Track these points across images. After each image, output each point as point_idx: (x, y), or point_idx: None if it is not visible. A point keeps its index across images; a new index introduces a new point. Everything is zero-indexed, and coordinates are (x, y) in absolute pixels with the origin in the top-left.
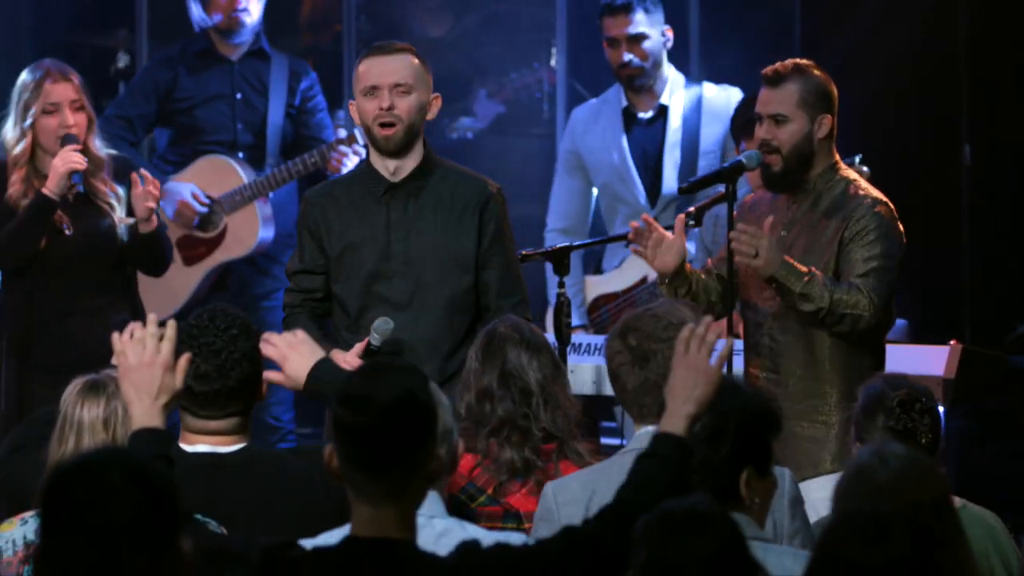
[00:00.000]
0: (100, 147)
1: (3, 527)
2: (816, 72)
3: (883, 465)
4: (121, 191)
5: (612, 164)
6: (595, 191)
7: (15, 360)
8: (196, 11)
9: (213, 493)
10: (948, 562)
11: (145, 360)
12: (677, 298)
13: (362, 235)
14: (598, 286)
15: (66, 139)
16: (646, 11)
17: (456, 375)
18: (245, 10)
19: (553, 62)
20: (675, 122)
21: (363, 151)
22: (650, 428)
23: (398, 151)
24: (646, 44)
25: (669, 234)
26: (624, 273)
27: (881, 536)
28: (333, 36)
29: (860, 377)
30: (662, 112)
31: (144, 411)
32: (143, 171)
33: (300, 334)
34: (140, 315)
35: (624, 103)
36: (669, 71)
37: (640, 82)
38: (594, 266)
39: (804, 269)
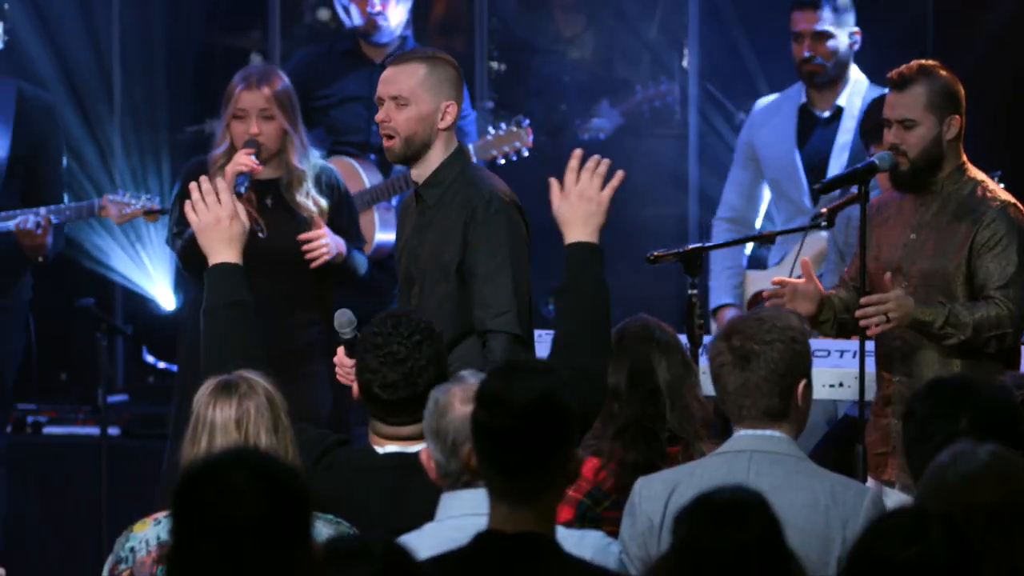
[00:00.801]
0: (300, 159)
1: (137, 527)
2: (942, 72)
3: (953, 466)
4: (325, 204)
5: (781, 160)
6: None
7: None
8: (341, 11)
9: (401, 491)
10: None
11: (212, 218)
12: (829, 333)
13: (402, 237)
14: (758, 281)
15: (246, 144)
16: (834, 10)
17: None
18: (381, 14)
19: (685, 63)
20: (848, 124)
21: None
22: (747, 431)
23: (401, 161)
24: (830, 43)
25: (800, 281)
26: (783, 269)
27: (916, 536)
28: (465, 39)
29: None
30: (839, 113)
31: (222, 255)
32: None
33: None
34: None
35: (803, 100)
36: (854, 73)
37: (820, 80)
38: (758, 261)
39: (937, 308)
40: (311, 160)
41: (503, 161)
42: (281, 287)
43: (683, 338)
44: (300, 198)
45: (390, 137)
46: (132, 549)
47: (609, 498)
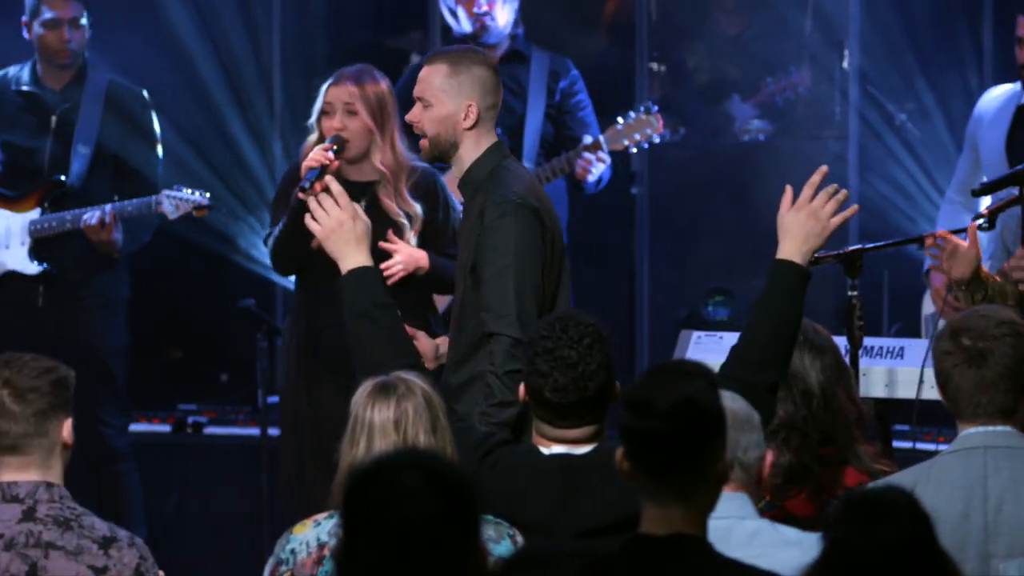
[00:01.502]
0: (385, 161)
1: (297, 529)
2: None
3: None
4: (419, 209)
5: (992, 156)
6: None
7: (304, 357)
8: (449, 17)
9: (569, 493)
10: None
11: (334, 223)
12: (973, 303)
13: None
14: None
15: (329, 140)
16: None
17: (468, 385)
18: (488, 14)
19: (845, 64)
20: None
21: (607, 158)
22: (978, 429)
23: (433, 160)
24: None
25: (963, 242)
26: None
27: (881, 517)
28: (627, 39)
29: None
30: None
31: (355, 259)
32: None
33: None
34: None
35: (1022, 101)
36: None
37: None
38: None
39: None
40: (408, 164)
41: (635, 150)
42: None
43: (842, 340)
44: (387, 202)
45: (423, 137)
46: (292, 551)
47: (762, 499)
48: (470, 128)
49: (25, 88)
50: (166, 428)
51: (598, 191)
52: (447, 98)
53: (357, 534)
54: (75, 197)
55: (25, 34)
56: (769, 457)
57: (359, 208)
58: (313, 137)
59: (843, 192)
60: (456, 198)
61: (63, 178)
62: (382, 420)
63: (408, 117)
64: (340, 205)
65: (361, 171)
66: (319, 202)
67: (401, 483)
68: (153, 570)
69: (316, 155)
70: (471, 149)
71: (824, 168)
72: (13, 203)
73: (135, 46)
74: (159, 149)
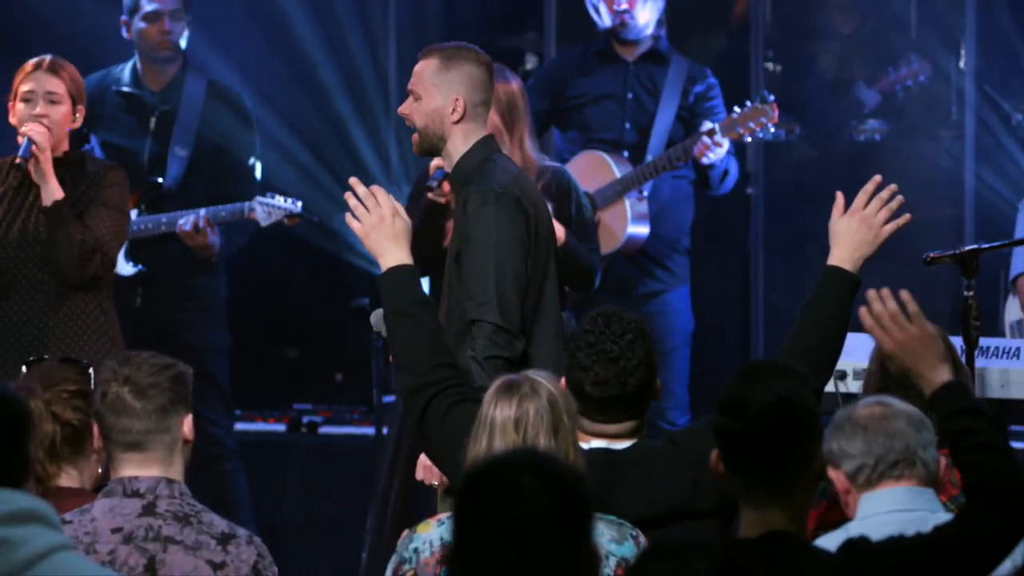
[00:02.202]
0: (514, 159)
1: (421, 528)
2: None
3: None
4: (550, 208)
5: None
6: None
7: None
8: (592, 11)
9: (608, 487)
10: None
11: (374, 220)
12: None
13: None
14: None
15: None
16: None
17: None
18: (628, 11)
19: (962, 63)
20: None
21: (724, 143)
22: None
23: (423, 154)
24: None
25: None
26: None
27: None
28: (743, 36)
29: None
30: None
31: (395, 256)
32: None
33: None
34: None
35: None
36: None
37: None
38: None
39: None
40: (536, 164)
41: (749, 139)
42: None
43: (958, 340)
44: None
45: (413, 131)
46: (416, 550)
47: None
48: (457, 122)
49: (125, 89)
50: (281, 427)
51: (723, 192)
52: (436, 92)
53: (470, 533)
54: (172, 199)
55: (124, 33)
56: (943, 463)
57: (399, 205)
58: None
59: (897, 199)
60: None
61: (160, 180)
62: (503, 418)
63: (400, 109)
64: (380, 202)
65: None
66: (360, 200)
67: (515, 483)
68: (271, 568)
69: (440, 159)
70: (459, 143)
71: (878, 177)
72: None
73: (253, 48)
74: (256, 152)
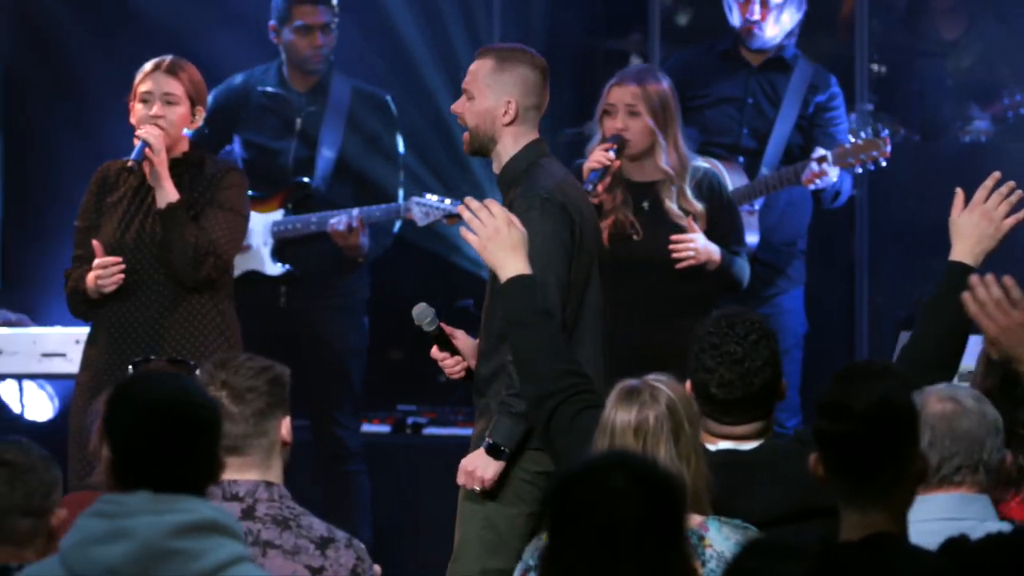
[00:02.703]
0: (668, 161)
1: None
2: None
3: None
4: (700, 208)
5: None
6: None
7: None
8: (727, 8)
9: (736, 489)
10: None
11: (490, 232)
12: None
13: None
14: None
15: (609, 139)
16: None
17: (495, 376)
18: (758, 23)
19: None
20: None
21: (833, 171)
22: None
23: (473, 153)
24: None
25: None
26: None
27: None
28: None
29: None
30: None
31: (513, 267)
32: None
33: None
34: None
35: None
36: None
37: None
38: None
39: None
40: (691, 163)
41: (860, 170)
42: (654, 290)
43: None
44: (668, 203)
45: (464, 129)
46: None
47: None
48: (508, 124)
49: (270, 89)
50: (386, 429)
51: (836, 206)
52: (489, 92)
53: (563, 534)
54: (318, 200)
55: (272, 37)
56: (1009, 459)
57: (513, 216)
58: (596, 138)
59: (1017, 193)
60: None
61: (307, 180)
62: (622, 424)
63: (453, 107)
64: (495, 214)
65: (643, 171)
66: (473, 212)
67: (608, 484)
68: (370, 572)
69: (597, 156)
70: (509, 145)
71: (997, 173)
72: (256, 204)
73: (354, 50)
74: (400, 155)
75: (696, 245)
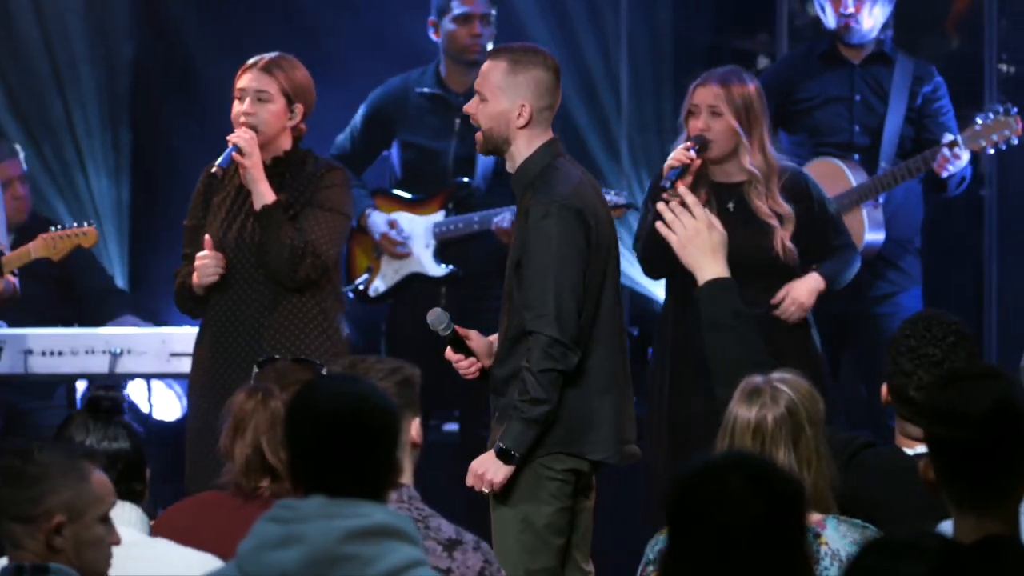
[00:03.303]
0: (753, 162)
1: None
2: None
3: None
4: (790, 209)
5: None
6: None
7: (672, 362)
8: (819, 10)
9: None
10: None
11: (690, 232)
12: None
13: None
14: None
15: (692, 139)
16: None
17: (510, 380)
18: (853, 16)
19: None
20: None
21: (964, 155)
22: None
23: (486, 154)
24: None
25: None
26: None
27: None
28: (976, 40)
29: None
30: None
31: (712, 269)
32: None
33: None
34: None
35: None
36: None
37: None
38: None
39: None
40: (777, 165)
41: (992, 151)
42: (742, 291)
43: None
44: (757, 203)
45: (477, 129)
46: (661, 551)
47: None
48: (522, 127)
49: (428, 90)
50: None
51: (958, 193)
52: (502, 95)
53: (681, 534)
54: (479, 199)
55: (431, 34)
56: None
57: (714, 218)
58: (681, 138)
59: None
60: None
61: (467, 180)
62: (743, 422)
63: (465, 108)
64: (696, 215)
65: (727, 172)
66: (674, 212)
67: (726, 485)
68: (498, 575)
69: (678, 154)
70: (523, 147)
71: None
72: (417, 206)
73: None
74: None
75: (794, 297)
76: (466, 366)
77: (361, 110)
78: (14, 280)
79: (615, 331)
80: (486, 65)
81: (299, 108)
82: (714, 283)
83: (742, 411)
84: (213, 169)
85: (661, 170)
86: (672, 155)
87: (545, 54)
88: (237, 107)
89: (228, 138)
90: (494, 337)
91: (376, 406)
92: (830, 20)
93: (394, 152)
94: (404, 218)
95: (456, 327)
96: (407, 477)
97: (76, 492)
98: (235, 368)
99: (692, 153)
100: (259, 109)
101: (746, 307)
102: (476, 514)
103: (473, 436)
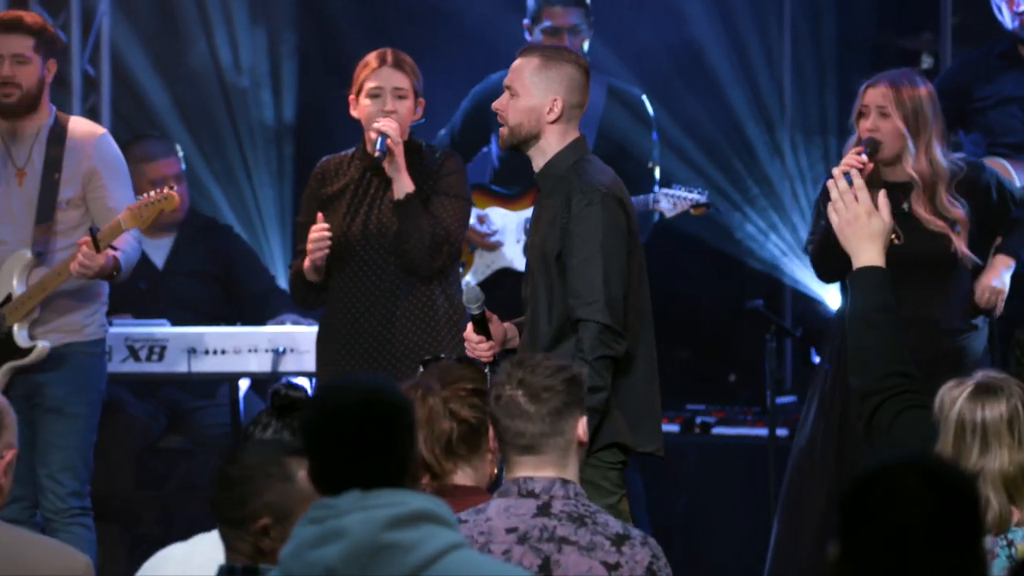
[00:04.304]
0: (918, 166)
1: None
2: None
3: None
4: (963, 211)
5: None
6: None
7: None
8: (996, 12)
9: None
10: None
11: (850, 216)
12: None
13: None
14: None
15: (862, 142)
16: None
17: None
18: None
19: None
20: None
21: None
22: None
23: (510, 149)
24: None
25: None
26: None
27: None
28: None
29: None
30: None
31: (867, 256)
32: None
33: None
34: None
35: None
36: None
37: None
38: None
39: None
40: (945, 170)
41: None
42: (918, 295)
43: None
44: (916, 208)
45: (501, 126)
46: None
47: None
48: (553, 121)
49: None
50: (675, 428)
51: None
52: (535, 90)
53: (855, 534)
54: None
55: (527, 36)
56: None
57: (883, 206)
58: (852, 138)
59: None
60: None
61: None
62: (993, 418)
63: (494, 105)
64: (859, 199)
65: (896, 172)
66: (840, 194)
67: (902, 486)
68: (665, 569)
69: (848, 160)
70: (554, 142)
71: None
72: (509, 201)
73: (647, 39)
74: (655, 155)
75: (983, 285)
76: (485, 348)
77: (462, 105)
78: (115, 254)
79: (651, 321)
80: (518, 62)
81: (421, 103)
82: (865, 271)
83: (990, 408)
84: (376, 154)
85: (830, 174)
86: (843, 160)
87: (576, 54)
88: (371, 105)
89: (376, 127)
90: (508, 324)
91: (390, 399)
92: (1007, 20)
93: (492, 147)
94: (497, 213)
95: (485, 309)
96: (573, 474)
97: (282, 493)
98: (367, 356)
99: (863, 157)
100: (399, 106)
101: (896, 303)
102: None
103: None
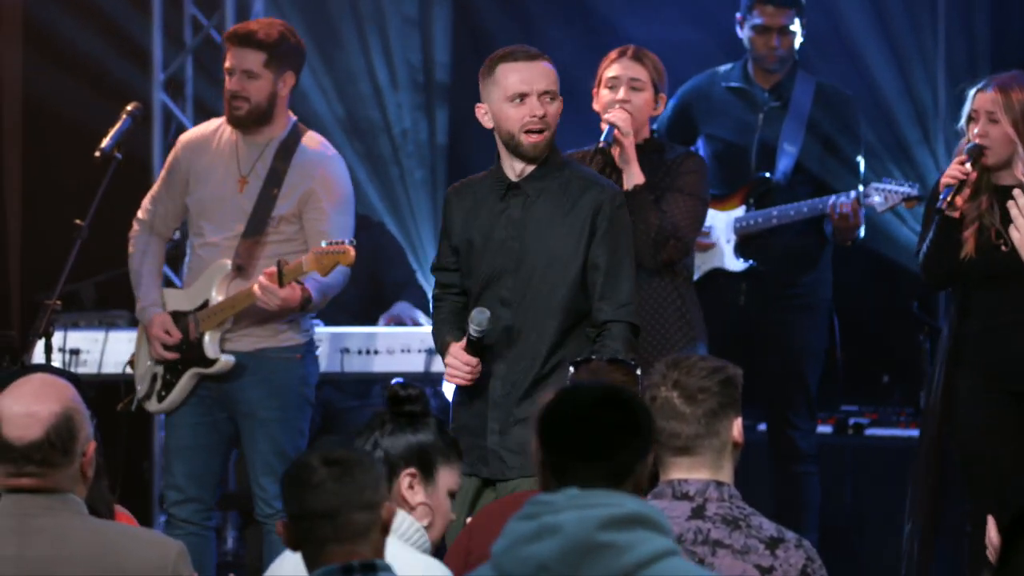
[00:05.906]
0: (1017, 170)
1: None
2: None
3: None
4: None
5: None
6: None
7: (949, 364)
8: None
9: None
10: None
11: None
12: None
13: (481, 233)
14: None
15: (967, 150)
16: None
17: (553, 373)
18: None
19: None
20: None
21: None
22: None
23: (540, 155)
24: None
25: None
26: None
27: None
28: None
29: None
30: None
31: None
32: None
33: None
34: None
35: None
36: None
37: None
38: None
39: None
40: None
41: None
42: (1001, 296)
43: None
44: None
45: (540, 132)
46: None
47: None
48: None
49: (735, 84)
50: (828, 429)
51: None
52: (559, 94)
53: (1017, 548)
54: (779, 195)
55: (738, 29)
56: None
57: None
58: (962, 141)
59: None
60: None
61: (767, 175)
62: None
63: (538, 112)
64: None
65: (1006, 177)
66: (1021, 211)
67: None
68: (820, 572)
69: (952, 171)
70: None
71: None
72: (718, 201)
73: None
74: (861, 153)
75: None
76: (468, 372)
77: (669, 104)
78: (308, 287)
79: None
80: (542, 64)
81: (662, 98)
82: None
83: None
84: (600, 145)
85: (937, 183)
86: (947, 171)
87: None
88: (608, 95)
89: (606, 118)
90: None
91: (628, 401)
92: None
93: (700, 146)
94: (708, 214)
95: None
96: (727, 476)
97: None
98: None
99: (967, 167)
100: (633, 96)
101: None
102: (785, 514)
103: (782, 436)
